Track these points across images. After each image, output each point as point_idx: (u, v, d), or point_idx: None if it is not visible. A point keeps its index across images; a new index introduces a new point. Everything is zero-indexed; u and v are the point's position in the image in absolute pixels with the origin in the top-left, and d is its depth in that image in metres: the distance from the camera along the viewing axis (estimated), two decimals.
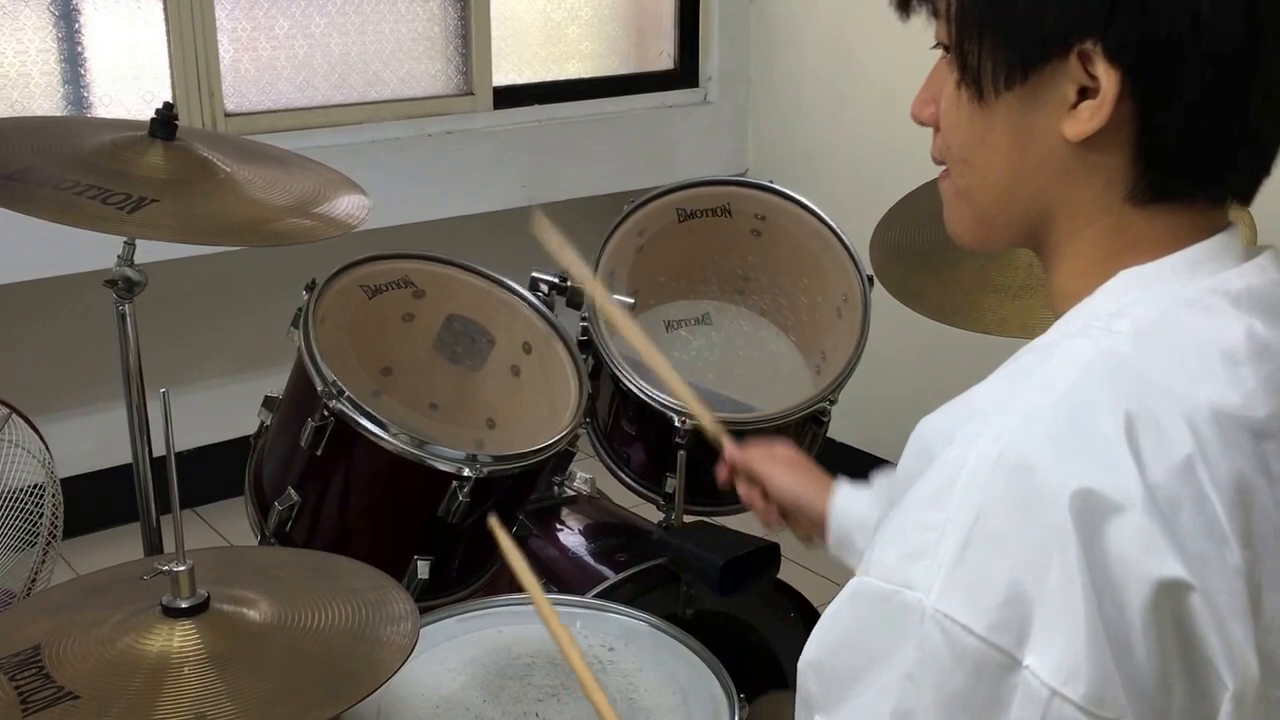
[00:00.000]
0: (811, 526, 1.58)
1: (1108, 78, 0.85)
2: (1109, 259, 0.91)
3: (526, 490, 2.04)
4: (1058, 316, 0.94)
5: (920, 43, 1.02)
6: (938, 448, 0.84)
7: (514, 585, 2.09)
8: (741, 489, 1.68)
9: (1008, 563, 0.78)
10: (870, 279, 2.20)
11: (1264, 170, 0.91)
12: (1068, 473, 0.79)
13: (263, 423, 2.08)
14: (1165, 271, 0.90)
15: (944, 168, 0.99)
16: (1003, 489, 0.79)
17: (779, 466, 1.63)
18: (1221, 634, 0.79)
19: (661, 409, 2.07)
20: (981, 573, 0.78)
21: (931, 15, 0.95)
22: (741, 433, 2.15)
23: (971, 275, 2.02)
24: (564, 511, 2.28)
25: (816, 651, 0.86)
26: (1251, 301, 0.88)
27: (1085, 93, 0.87)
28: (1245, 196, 0.92)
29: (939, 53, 0.98)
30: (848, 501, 1.51)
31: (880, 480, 1.53)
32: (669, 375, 1.82)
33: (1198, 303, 0.87)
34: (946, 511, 0.80)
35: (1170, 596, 0.78)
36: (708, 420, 1.81)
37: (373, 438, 1.85)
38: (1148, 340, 0.85)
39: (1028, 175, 0.93)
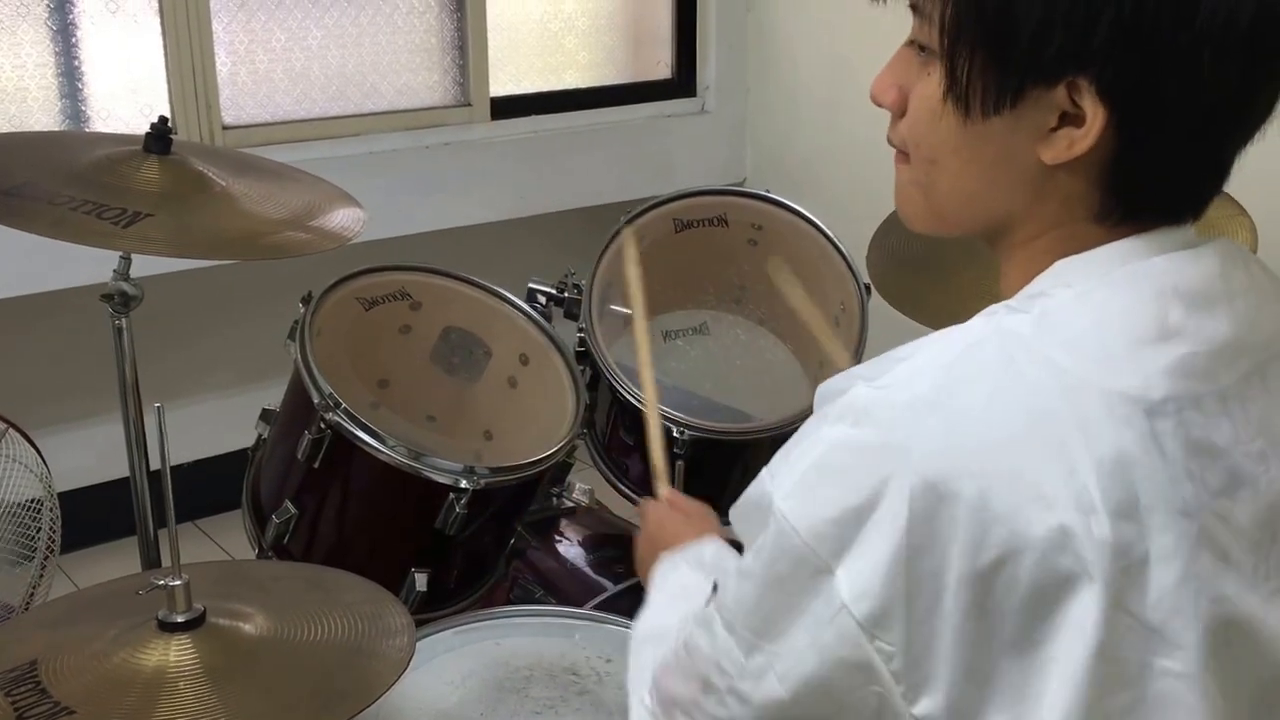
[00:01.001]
0: None
1: (1095, 112, 0.87)
2: (1054, 256, 0.94)
3: (524, 502, 2.04)
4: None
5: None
6: (848, 385, 0.92)
7: (513, 597, 2.10)
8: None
9: (845, 492, 0.87)
10: (868, 287, 2.20)
11: (1218, 189, 0.95)
12: (921, 444, 0.85)
13: (260, 435, 2.08)
14: (1097, 258, 0.92)
15: (899, 152, 1.01)
16: (861, 433, 0.88)
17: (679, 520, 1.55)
18: (1075, 597, 0.83)
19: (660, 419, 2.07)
20: (821, 492, 0.88)
21: (910, 9, 0.96)
22: (740, 443, 2.16)
23: (968, 283, 2.02)
24: (562, 523, 2.28)
25: (739, 503, 0.97)
26: (1174, 288, 0.89)
27: (1065, 118, 0.89)
28: (1196, 213, 0.95)
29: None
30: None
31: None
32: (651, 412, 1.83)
33: (1118, 284, 0.90)
34: (817, 432, 0.90)
35: (1002, 569, 0.83)
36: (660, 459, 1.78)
37: (370, 450, 1.85)
38: (1050, 320, 0.88)
39: (996, 188, 0.95)
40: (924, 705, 0.87)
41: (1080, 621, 0.83)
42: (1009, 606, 0.84)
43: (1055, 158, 0.90)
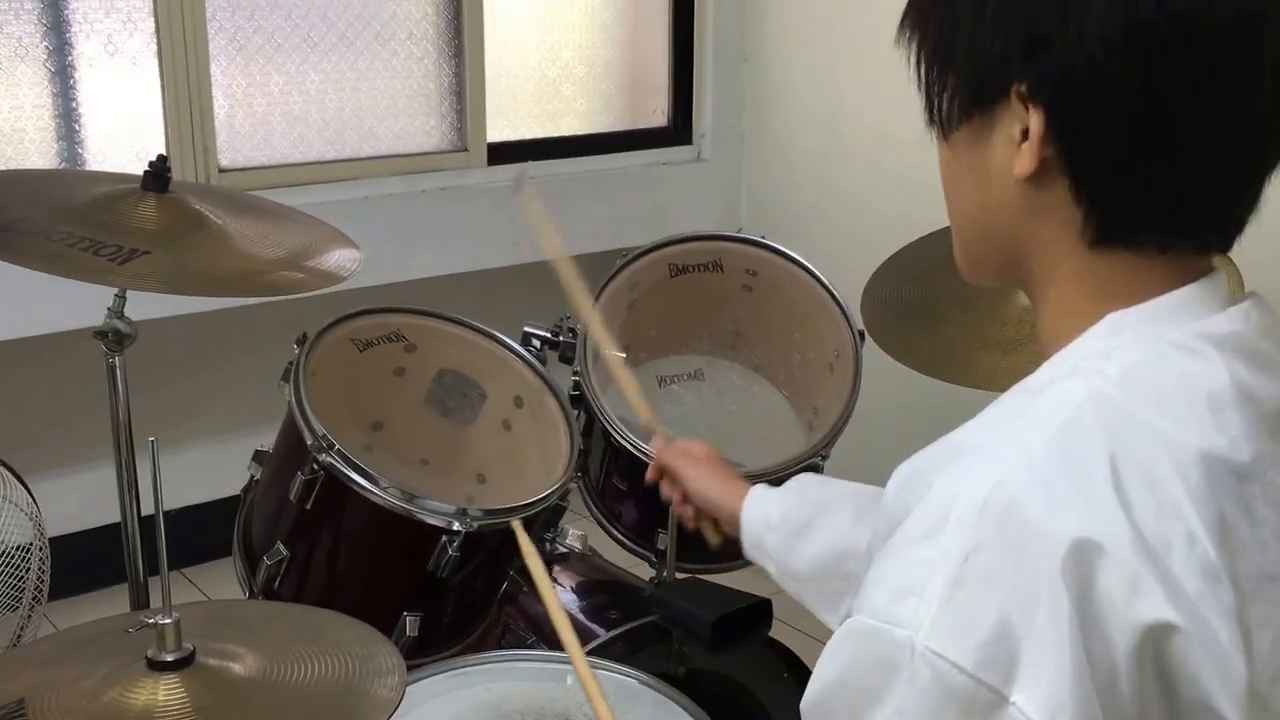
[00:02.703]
0: (725, 525, 1.63)
1: (1033, 117, 0.89)
2: (1089, 301, 0.93)
3: (517, 545, 2.03)
4: (1045, 358, 0.96)
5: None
6: (920, 488, 0.85)
7: (504, 642, 2.09)
8: (664, 489, 1.72)
9: (996, 602, 0.78)
10: (862, 334, 2.20)
11: (1229, 217, 0.93)
12: (1059, 517, 0.80)
13: (252, 476, 2.07)
14: (1151, 314, 0.91)
15: None
16: (993, 529, 0.80)
17: (692, 464, 1.67)
18: (1222, 672, 0.80)
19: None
20: (970, 611, 0.79)
21: None
22: None
23: (963, 330, 2.02)
24: (555, 568, 2.26)
25: (815, 692, 0.87)
26: (1235, 347, 0.89)
27: (1027, 132, 0.91)
28: (1220, 244, 0.94)
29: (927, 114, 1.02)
30: (759, 503, 1.56)
31: (797, 480, 1.57)
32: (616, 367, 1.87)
33: (1184, 346, 0.89)
34: (936, 550, 0.81)
35: (1156, 639, 0.79)
36: (643, 409, 1.82)
37: (363, 491, 1.84)
38: (1134, 383, 0.86)
39: (994, 212, 0.96)
40: None
41: (1236, 693, 0.80)
42: (1177, 682, 0.80)
43: (1021, 170, 0.91)
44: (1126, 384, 0.86)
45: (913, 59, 0.97)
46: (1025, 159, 0.91)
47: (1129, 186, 0.90)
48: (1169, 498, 0.82)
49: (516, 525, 1.85)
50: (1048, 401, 0.87)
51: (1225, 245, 0.94)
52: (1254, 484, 0.84)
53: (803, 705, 0.88)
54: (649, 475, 1.75)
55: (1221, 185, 0.91)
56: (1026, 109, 0.90)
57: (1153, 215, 0.91)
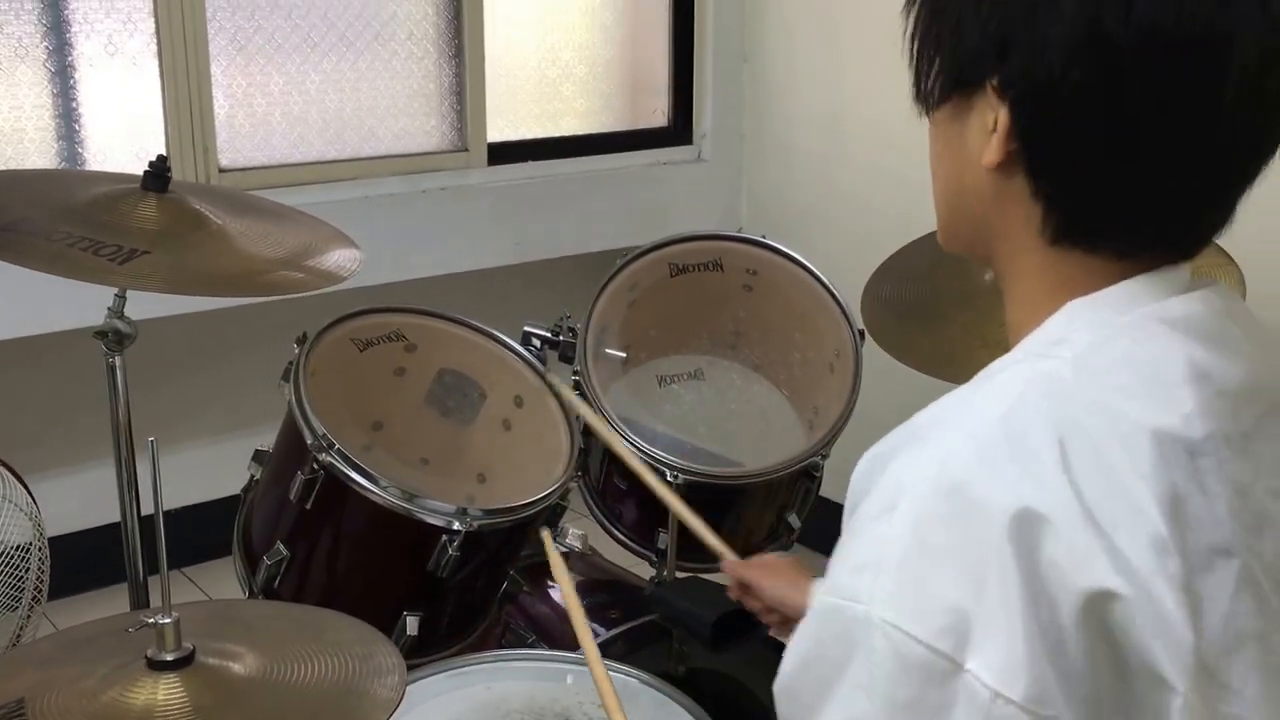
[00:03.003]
0: None
1: (1001, 112, 0.91)
2: (1050, 296, 0.95)
3: (517, 545, 2.03)
4: (1012, 347, 0.98)
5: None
6: (879, 472, 0.89)
7: (504, 642, 2.09)
8: (747, 602, 1.73)
9: (947, 574, 0.82)
10: (862, 333, 2.20)
11: (1192, 231, 0.94)
12: (1003, 490, 0.83)
13: (252, 476, 2.07)
14: (1108, 299, 0.93)
15: None
16: (941, 504, 0.84)
17: (764, 573, 1.69)
18: (1169, 640, 0.82)
19: (654, 464, 2.06)
20: (922, 583, 0.82)
21: None
22: (734, 488, 2.15)
23: (963, 329, 2.02)
24: None
25: (785, 673, 0.90)
26: (1190, 328, 0.91)
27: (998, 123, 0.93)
28: (1183, 254, 0.95)
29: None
30: None
31: None
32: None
33: (1138, 328, 0.91)
34: (889, 527, 0.85)
35: (1101, 606, 0.81)
36: (712, 539, 1.84)
37: (363, 491, 1.84)
38: (1086, 364, 0.89)
39: (966, 195, 0.99)
40: None
41: (1183, 664, 0.82)
42: (1126, 646, 0.82)
43: (989, 160, 0.93)
44: (1078, 365, 0.88)
45: (908, 32, 0.99)
46: (993, 149, 0.93)
47: (1086, 191, 0.92)
48: (1117, 473, 0.83)
49: (545, 535, 1.88)
50: (998, 385, 0.90)
51: (1188, 255, 0.95)
52: (1207, 459, 0.86)
53: (775, 687, 0.90)
54: (731, 594, 1.75)
55: (1184, 199, 0.92)
56: (998, 102, 0.92)
57: (1111, 221, 0.93)
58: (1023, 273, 0.97)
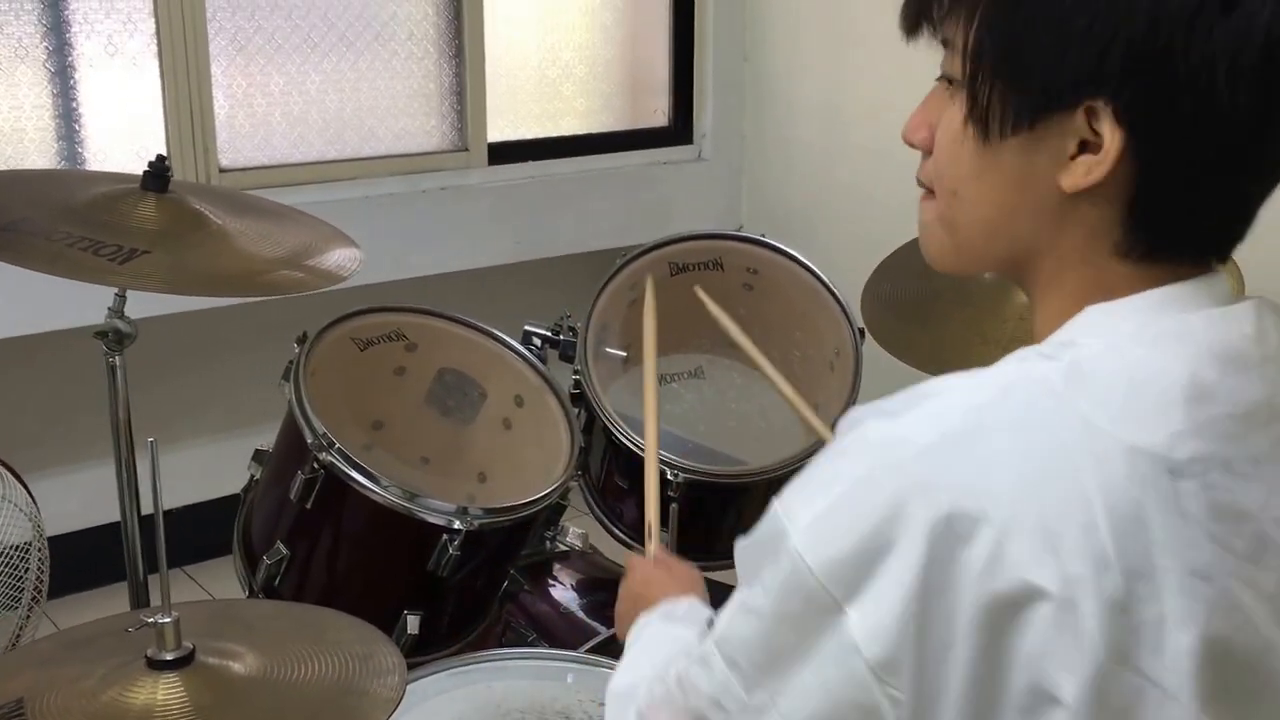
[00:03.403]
0: None
1: (1112, 136, 0.86)
2: (1087, 301, 0.93)
3: (518, 544, 2.03)
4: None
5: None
6: (867, 418, 0.91)
7: (505, 640, 2.08)
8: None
9: (863, 531, 0.85)
10: (862, 332, 2.20)
11: (1242, 232, 0.93)
12: (943, 485, 0.84)
13: (252, 476, 2.07)
14: (1130, 308, 0.91)
15: (926, 191, 1.01)
16: (881, 473, 0.86)
17: (660, 570, 1.62)
18: (1074, 653, 0.82)
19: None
20: (837, 530, 0.87)
21: (941, 44, 0.96)
22: (735, 487, 2.15)
23: (963, 327, 2.02)
24: (556, 566, 2.26)
25: (739, 546, 0.97)
26: (1207, 347, 0.88)
27: (1085, 145, 0.88)
28: (1222, 255, 0.94)
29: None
30: None
31: None
32: None
33: (1150, 341, 0.89)
34: (834, 469, 0.90)
35: (1010, 611, 0.83)
36: None
37: (363, 490, 1.84)
38: (1082, 372, 0.87)
39: (1018, 217, 0.94)
40: None
41: (1082, 677, 0.82)
42: (1016, 660, 0.83)
43: (1074, 185, 0.89)
44: (1072, 373, 0.87)
45: (960, 43, 0.92)
46: (1080, 174, 0.89)
47: (1188, 209, 0.89)
48: (1077, 484, 0.83)
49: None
50: (992, 374, 0.89)
51: (1224, 257, 0.94)
52: (1190, 481, 0.84)
53: (738, 544, 0.97)
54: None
55: (1251, 205, 0.92)
56: (1092, 125, 0.87)
57: (1194, 234, 0.91)
58: (1066, 284, 0.94)
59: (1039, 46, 0.87)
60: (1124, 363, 0.88)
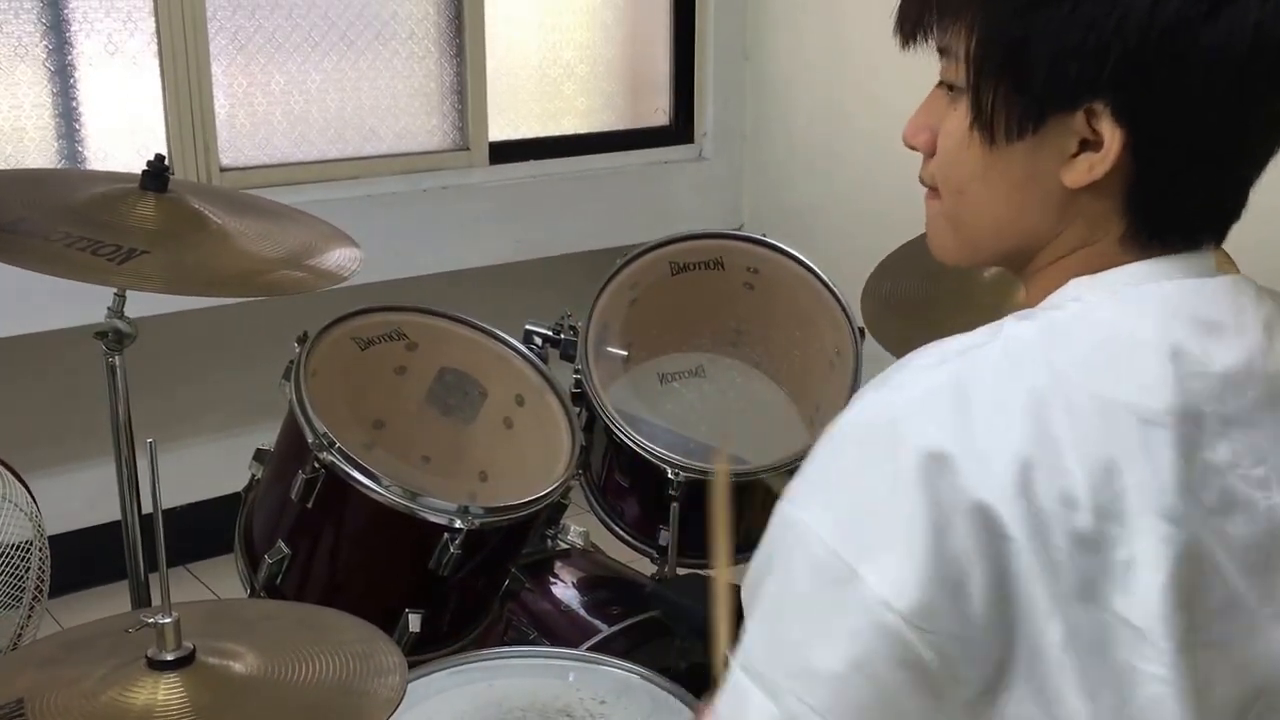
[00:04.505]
0: None
1: (1112, 135, 0.90)
2: (1077, 276, 0.97)
3: (519, 543, 2.03)
4: None
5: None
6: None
7: (507, 639, 2.08)
8: None
9: (861, 489, 0.87)
10: (862, 331, 2.20)
11: (1237, 213, 0.97)
12: (929, 431, 0.86)
13: (254, 475, 2.07)
14: (1111, 277, 0.95)
15: (930, 189, 1.04)
16: (867, 431, 0.90)
17: None
18: (1049, 588, 0.85)
19: (655, 461, 2.07)
20: (837, 493, 0.89)
21: (939, 53, 0.99)
22: (735, 486, 2.15)
23: (963, 327, 2.01)
24: (557, 564, 2.26)
25: (751, 566, 0.95)
26: (1180, 310, 0.92)
27: (1085, 144, 0.92)
28: (1218, 238, 0.98)
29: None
30: None
31: None
32: None
33: (1123, 302, 0.93)
34: (828, 445, 0.91)
35: (993, 535, 0.85)
36: None
37: (364, 489, 1.84)
38: (1054, 329, 0.91)
39: (1024, 214, 0.97)
40: (968, 692, 0.87)
41: (1049, 613, 0.85)
42: (1017, 588, 0.85)
43: (1076, 181, 0.93)
44: (1048, 329, 0.91)
45: (961, 52, 0.95)
46: (1082, 171, 0.92)
47: (1183, 198, 0.93)
48: (1050, 434, 0.86)
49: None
50: (964, 337, 0.93)
51: (1220, 240, 0.98)
52: (1160, 430, 0.87)
53: (747, 578, 0.95)
54: None
55: (1245, 189, 0.95)
56: (1092, 125, 0.90)
57: (1192, 219, 0.95)
58: (1062, 265, 0.97)
59: (1040, 55, 0.90)
60: (1096, 321, 0.92)
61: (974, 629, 0.85)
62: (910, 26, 0.99)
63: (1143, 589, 0.86)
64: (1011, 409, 0.87)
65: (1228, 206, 0.96)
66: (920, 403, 0.88)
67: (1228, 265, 2.01)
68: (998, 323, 0.94)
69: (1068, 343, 0.90)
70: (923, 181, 1.04)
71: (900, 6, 1.01)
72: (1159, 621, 0.86)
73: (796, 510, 0.90)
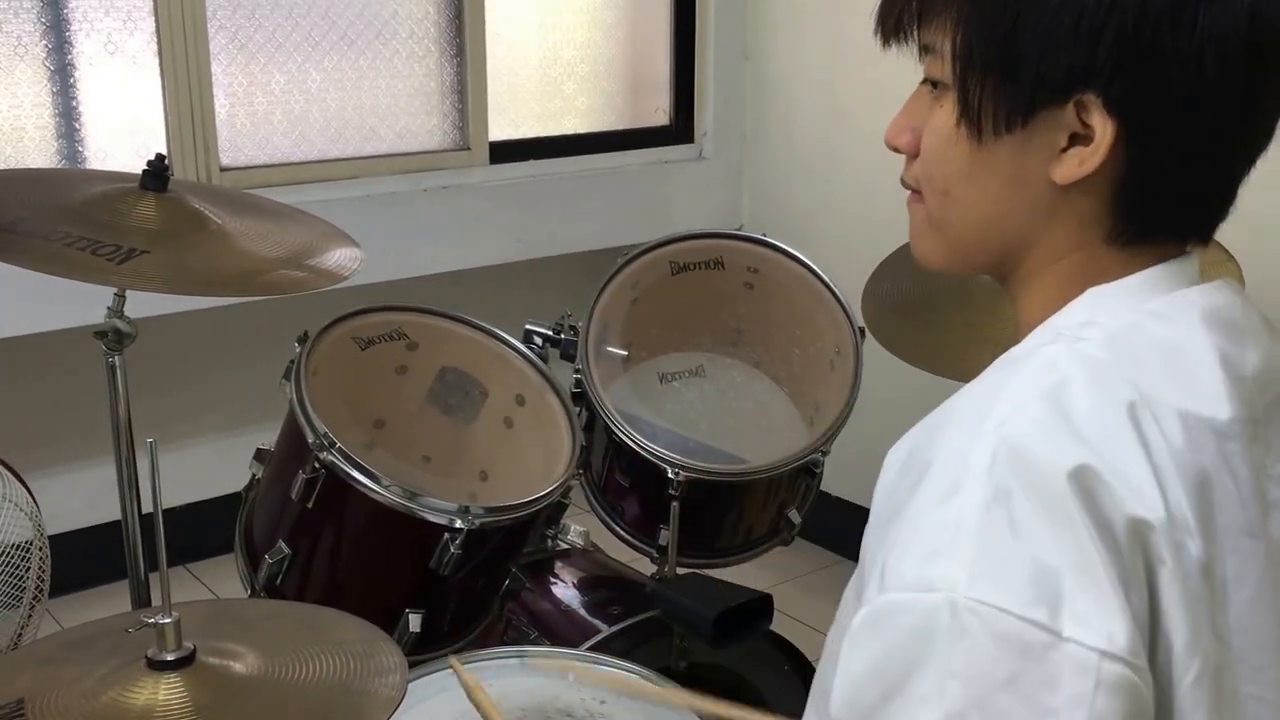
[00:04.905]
0: None
1: (1104, 128, 0.88)
2: (1076, 285, 0.95)
3: (519, 542, 2.03)
4: (1020, 339, 0.97)
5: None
6: (920, 466, 0.86)
7: (507, 638, 2.09)
8: None
9: (1027, 542, 0.79)
10: (862, 331, 2.20)
11: (1226, 210, 0.96)
12: (1062, 453, 0.82)
13: (254, 475, 2.07)
14: (1129, 287, 0.93)
15: (913, 193, 1.02)
16: (1007, 475, 0.81)
17: None
18: (1188, 619, 0.82)
19: (655, 461, 2.06)
20: (1004, 555, 0.79)
21: (921, 50, 0.97)
22: (736, 485, 2.15)
23: (963, 326, 2.02)
24: (557, 564, 2.26)
25: (844, 690, 0.83)
26: (1212, 317, 0.91)
27: (1075, 138, 0.90)
28: (1205, 235, 0.97)
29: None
30: None
31: None
32: None
33: (1162, 315, 0.91)
34: (956, 509, 0.81)
35: (1142, 535, 0.82)
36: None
37: (364, 489, 1.84)
38: (1117, 345, 0.89)
39: (1011, 212, 0.95)
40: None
41: (1190, 647, 0.82)
42: (1159, 618, 0.83)
43: (1066, 177, 0.91)
44: (1110, 347, 0.89)
45: (945, 47, 0.93)
46: (1072, 166, 0.90)
47: (1175, 192, 0.92)
48: (1152, 451, 0.84)
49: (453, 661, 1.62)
50: (1037, 363, 0.89)
51: (1206, 240, 0.97)
52: (1233, 442, 0.87)
53: (832, 710, 0.84)
54: None
55: (1234, 186, 0.94)
56: (1082, 118, 0.89)
57: (1182, 217, 0.94)
58: (1055, 273, 0.95)
59: (1028, 44, 0.89)
60: (1148, 334, 0.90)
61: (1167, 640, 0.82)
62: (892, 24, 0.97)
63: (1236, 610, 0.84)
64: (1122, 439, 0.84)
65: (1217, 203, 0.94)
66: (1036, 426, 0.83)
67: (1229, 263, 2.01)
68: (1046, 343, 0.91)
69: (1138, 360, 0.88)
70: (905, 184, 1.02)
71: (880, 5, 0.98)
72: (1251, 638, 0.85)
73: (967, 590, 0.78)
